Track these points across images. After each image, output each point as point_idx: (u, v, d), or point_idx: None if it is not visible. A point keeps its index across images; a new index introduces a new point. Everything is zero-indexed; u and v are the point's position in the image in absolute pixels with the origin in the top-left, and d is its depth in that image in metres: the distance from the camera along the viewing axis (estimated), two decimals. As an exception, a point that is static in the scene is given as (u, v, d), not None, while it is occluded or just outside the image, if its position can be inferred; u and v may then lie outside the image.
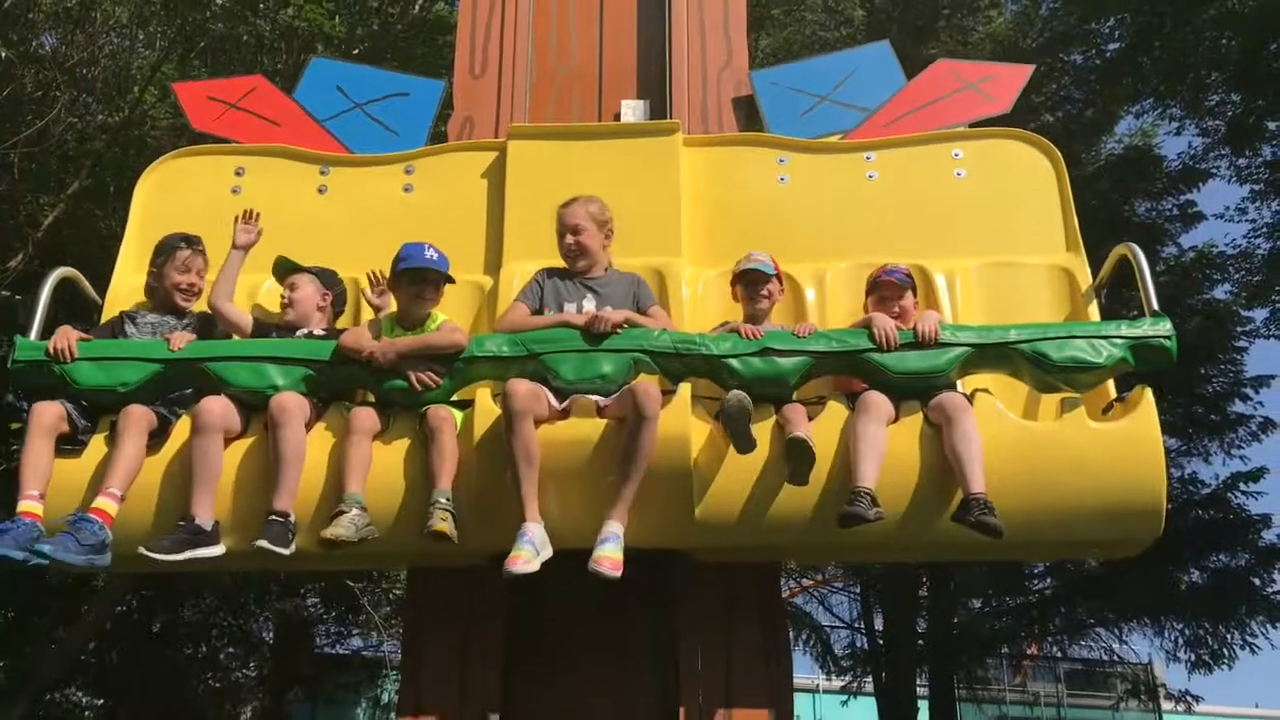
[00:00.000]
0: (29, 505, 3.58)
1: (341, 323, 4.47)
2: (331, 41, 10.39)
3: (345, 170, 4.86)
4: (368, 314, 4.55)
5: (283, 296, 4.30)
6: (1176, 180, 14.40)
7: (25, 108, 9.88)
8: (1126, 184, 14.02)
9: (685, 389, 3.77)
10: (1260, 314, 14.31)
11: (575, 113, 5.23)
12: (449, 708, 4.05)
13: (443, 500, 3.59)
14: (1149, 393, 3.83)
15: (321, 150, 4.90)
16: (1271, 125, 13.36)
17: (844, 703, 17.58)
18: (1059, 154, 4.73)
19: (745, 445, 3.63)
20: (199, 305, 4.36)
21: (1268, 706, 25.56)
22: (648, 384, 3.66)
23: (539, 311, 4.11)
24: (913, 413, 3.80)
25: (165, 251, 4.35)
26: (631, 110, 5.20)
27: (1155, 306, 3.96)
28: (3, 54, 8.07)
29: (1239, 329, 14.22)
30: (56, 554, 3.38)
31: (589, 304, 4.10)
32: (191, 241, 4.37)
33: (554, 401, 3.75)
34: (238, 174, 4.84)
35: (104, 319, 4.48)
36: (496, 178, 4.76)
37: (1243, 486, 13.21)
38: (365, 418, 3.78)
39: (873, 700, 15.55)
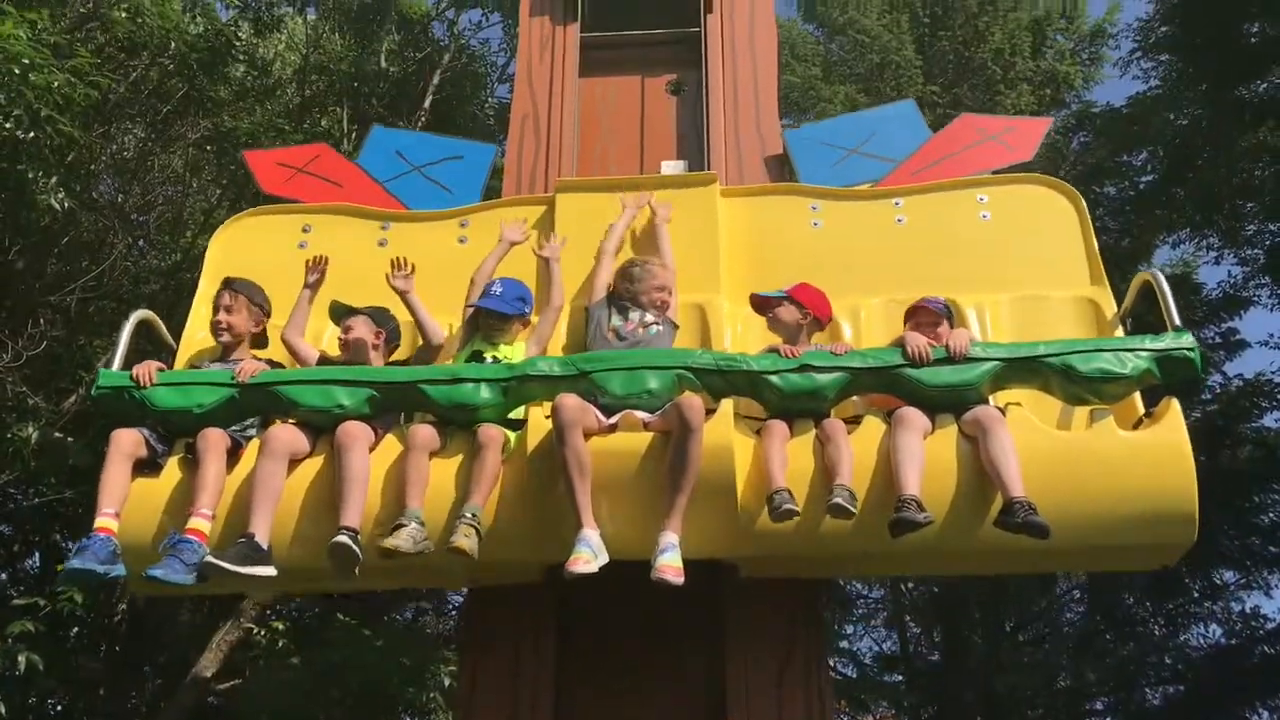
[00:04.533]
0: (105, 521, 3.81)
1: (397, 357, 4.71)
2: None
3: (404, 225, 5.18)
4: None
5: (340, 337, 4.57)
6: (1217, 308, 14.30)
7: (83, 254, 10.16)
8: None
9: (728, 405, 3.94)
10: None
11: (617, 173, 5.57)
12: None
13: (469, 515, 3.73)
14: (1175, 403, 3.95)
15: (382, 208, 5.24)
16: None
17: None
18: (1080, 197, 4.96)
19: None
20: (253, 349, 4.60)
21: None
22: (691, 397, 3.83)
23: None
24: (947, 425, 3.95)
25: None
26: (671, 169, 5.52)
27: (1178, 323, 4.12)
28: (65, 203, 8.50)
29: None
30: (168, 577, 3.57)
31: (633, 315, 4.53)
32: (230, 283, 4.61)
33: (601, 417, 3.93)
34: (304, 230, 5.17)
35: (177, 364, 4.77)
36: (546, 228, 5.05)
37: None
38: (425, 434, 3.97)
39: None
